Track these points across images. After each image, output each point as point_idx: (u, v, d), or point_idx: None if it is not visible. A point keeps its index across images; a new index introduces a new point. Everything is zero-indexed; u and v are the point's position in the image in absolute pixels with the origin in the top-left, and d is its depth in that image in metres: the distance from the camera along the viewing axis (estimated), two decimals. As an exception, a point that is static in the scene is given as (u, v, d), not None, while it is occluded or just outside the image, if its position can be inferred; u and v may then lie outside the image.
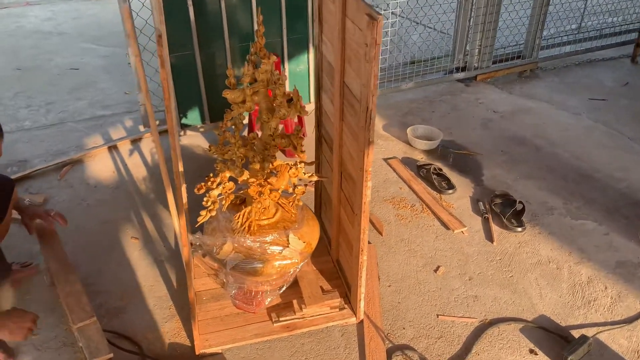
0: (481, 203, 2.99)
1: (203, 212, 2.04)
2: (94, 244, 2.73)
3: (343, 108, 2.05)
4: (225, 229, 2.17)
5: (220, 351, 2.16)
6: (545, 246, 2.70)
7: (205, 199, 2.05)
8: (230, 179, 2.10)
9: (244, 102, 1.96)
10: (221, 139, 2.10)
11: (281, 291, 2.27)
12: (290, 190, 2.08)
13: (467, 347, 2.18)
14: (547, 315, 2.32)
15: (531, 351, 2.15)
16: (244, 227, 2.13)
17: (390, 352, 2.15)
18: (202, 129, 3.73)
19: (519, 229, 2.78)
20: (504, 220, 2.82)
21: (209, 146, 2.10)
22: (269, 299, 2.27)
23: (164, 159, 2.29)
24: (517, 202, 2.88)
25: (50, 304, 2.35)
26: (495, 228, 2.81)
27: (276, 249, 2.10)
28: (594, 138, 3.69)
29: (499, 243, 2.72)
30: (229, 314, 2.29)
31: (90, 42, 5.77)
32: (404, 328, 2.27)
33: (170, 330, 2.26)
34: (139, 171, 3.32)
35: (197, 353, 2.13)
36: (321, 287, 2.38)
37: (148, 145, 3.60)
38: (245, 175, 2.02)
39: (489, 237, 2.76)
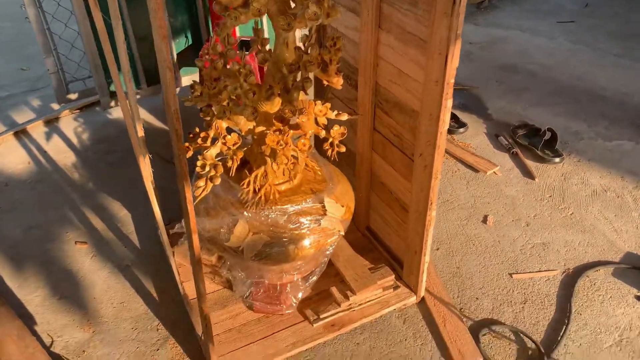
0: (502, 137, 2.53)
1: (201, 182, 1.37)
2: (20, 260, 1.93)
3: (381, 8, 1.45)
4: (228, 205, 1.51)
5: (249, 376, 1.53)
6: (593, 174, 2.29)
7: (198, 163, 1.38)
8: (228, 130, 1.44)
9: (245, 4, 1.29)
10: (208, 75, 1.42)
11: (313, 280, 1.66)
12: (323, 134, 1.45)
13: (563, 307, 1.71)
14: (633, 252, 1.91)
15: (639, 298, 1.73)
16: (260, 197, 1.48)
17: (474, 333, 1.63)
18: (138, 96, 2.93)
19: (557, 159, 2.36)
20: (538, 152, 2.38)
21: (191, 86, 1.41)
22: (300, 293, 1.66)
23: (133, 128, 1.57)
24: (545, 129, 2.45)
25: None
26: (529, 163, 2.36)
27: (311, 220, 1.47)
28: (583, 58, 3.36)
29: (541, 178, 2.28)
30: (247, 322, 1.64)
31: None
32: (477, 298, 1.75)
33: (168, 361, 1.58)
34: (65, 157, 2.50)
35: (217, 386, 1.49)
36: (359, 264, 1.79)
37: (69, 124, 2.76)
38: (261, 121, 1.37)
39: (527, 173, 2.31)
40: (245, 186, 1.50)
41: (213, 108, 1.38)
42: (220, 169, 1.37)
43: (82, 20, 2.38)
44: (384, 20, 1.46)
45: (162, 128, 2.71)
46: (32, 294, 1.80)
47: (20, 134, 2.68)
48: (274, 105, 1.39)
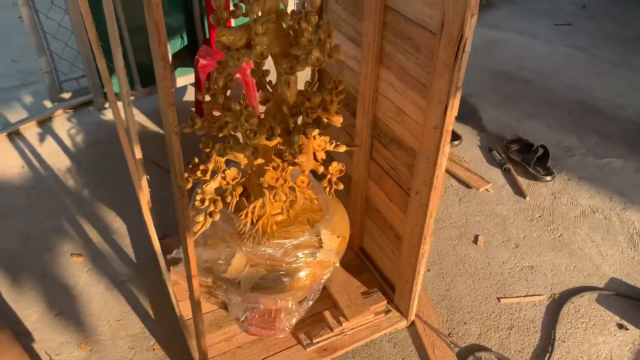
0: (495, 152, 2.56)
1: (200, 217, 1.39)
2: (17, 272, 1.95)
3: (382, 45, 1.45)
4: (226, 236, 1.53)
5: (243, 401, 1.58)
6: (582, 194, 2.34)
7: (197, 197, 1.40)
8: (227, 163, 1.45)
9: (248, 46, 1.30)
10: (208, 109, 1.42)
11: (307, 305, 1.70)
12: (321, 170, 1.47)
13: (547, 334, 1.77)
14: (618, 277, 1.97)
15: (620, 326, 1.79)
16: (258, 229, 1.51)
17: (461, 359, 1.69)
18: (132, 97, 2.91)
19: (549, 178, 2.40)
20: (530, 170, 2.42)
21: (191, 119, 1.42)
22: (294, 319, 1.70)
23: (127, 141, 1.57)
24: (538, 146, 2.48)
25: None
26: (521, 180, 2.40)
27: (307, 253, 1.50)
28: (578, 66, 3.38)
29: (532, 197, 2.32)
30: (243, 344, 1.69)
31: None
32: (465, 323, 1.81)
33: (164, 383, 1.62)
34: (59, 161, 2.50)
35: (213, 411, 1.53)
36: (351, 286, 1.83)
37: (63, 125, 2.74)
38: (260, 155, 1.38)
39: (518, 191, 2.35)
40: (243, 217, 1.53)
41: (216, 147, 1.39)
42: (220, 204, 1.39)
43: (75, 17, 2.35)
44: (385, 57, 1.47)
45: (158, 132, 2.71)
46: (29, 309, 1.82)
47: (14, 134, 2.66)
48: (268, 146, 1.40)
